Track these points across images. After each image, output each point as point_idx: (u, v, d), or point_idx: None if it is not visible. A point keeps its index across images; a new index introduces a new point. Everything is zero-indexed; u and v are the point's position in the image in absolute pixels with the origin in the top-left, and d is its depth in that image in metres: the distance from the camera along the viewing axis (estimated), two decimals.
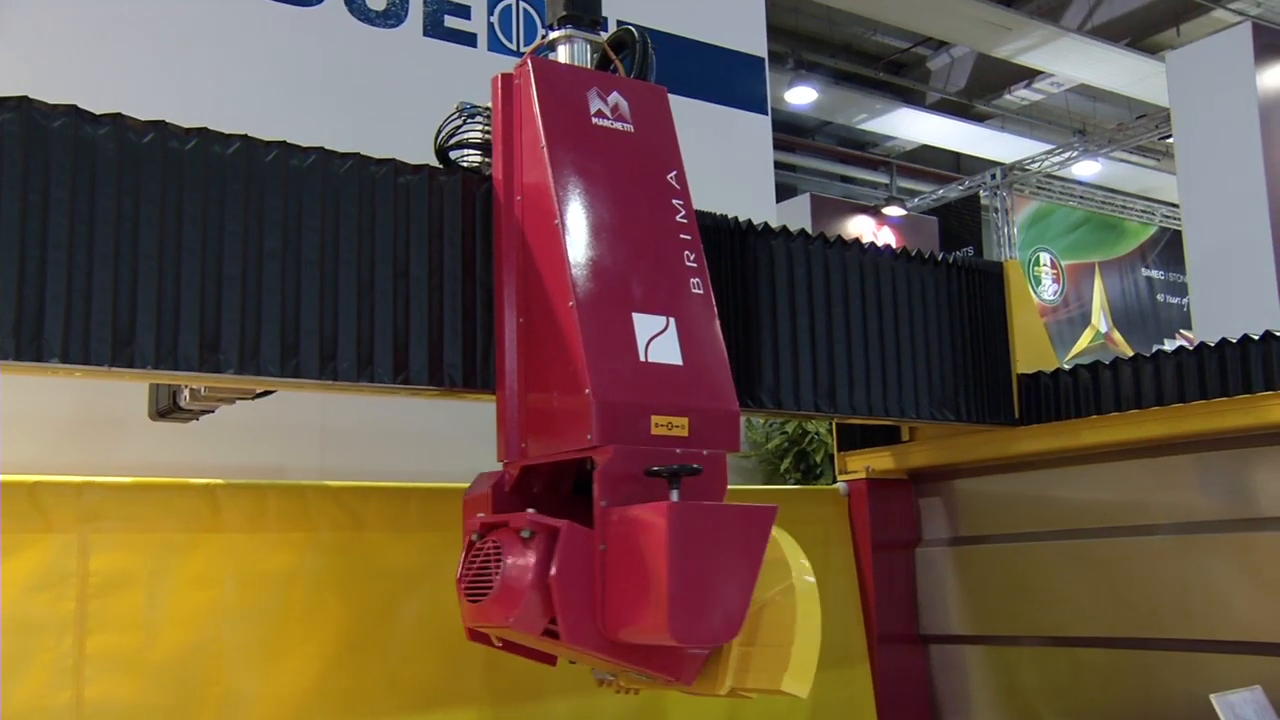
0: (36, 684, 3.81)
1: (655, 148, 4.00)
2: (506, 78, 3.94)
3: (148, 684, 3.99)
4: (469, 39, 6.61)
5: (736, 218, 4.50)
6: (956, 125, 19.08)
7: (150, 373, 3.41)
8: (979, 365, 5.03)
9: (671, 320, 3.69)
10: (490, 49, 6.69)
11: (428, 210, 3.86)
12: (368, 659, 4.41)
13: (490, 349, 3.87)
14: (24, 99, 3.30)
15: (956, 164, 21.34)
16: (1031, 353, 5.17)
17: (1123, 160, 20.35)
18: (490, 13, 6.69)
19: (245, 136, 3.62)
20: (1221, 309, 10.41)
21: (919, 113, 18.68)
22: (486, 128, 4.06)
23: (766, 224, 4.56)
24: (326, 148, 3.75)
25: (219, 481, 4.27)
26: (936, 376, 4.88)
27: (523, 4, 6.82)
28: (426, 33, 6.48)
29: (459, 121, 4.09)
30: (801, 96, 17.67)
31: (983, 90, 18.75)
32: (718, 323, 3.80)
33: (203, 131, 3.54)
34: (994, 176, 19.41)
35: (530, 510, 3.43)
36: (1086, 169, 20.37)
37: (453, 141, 4.11)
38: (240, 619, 4.20)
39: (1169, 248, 20.98)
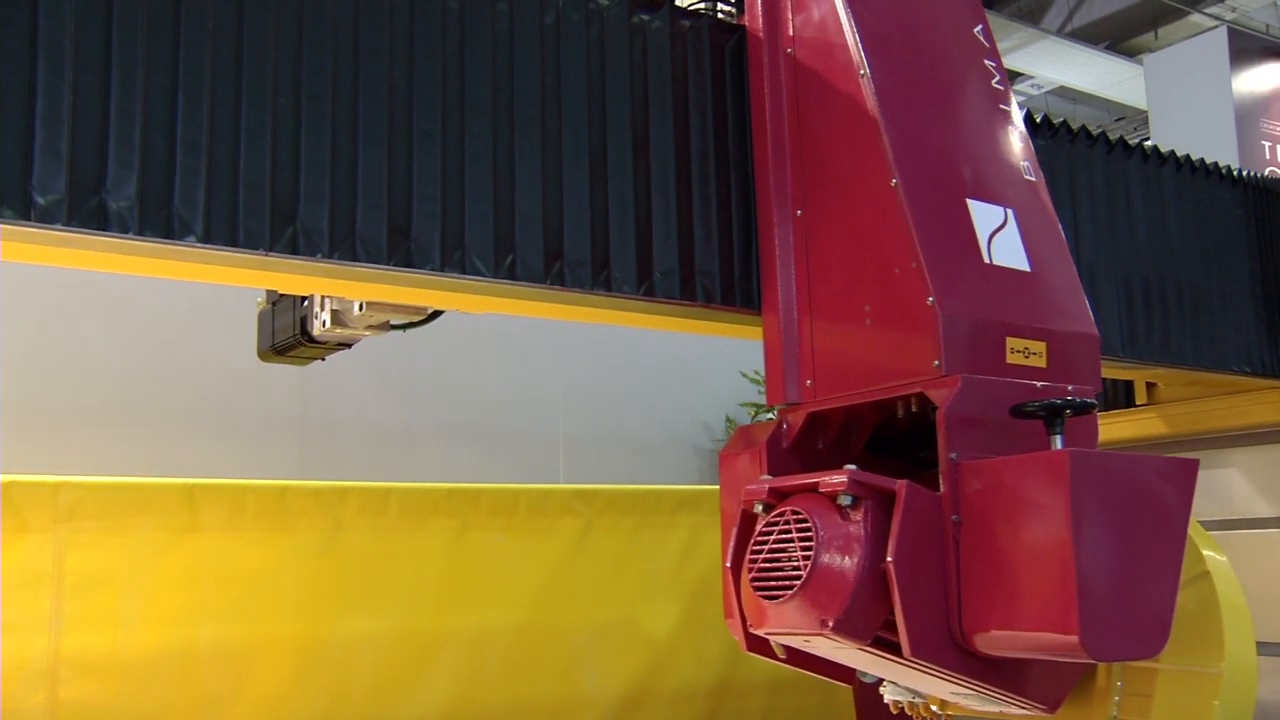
0: (10, 685, 3.72)
1: None
2: None
3: (123, 685, 3.92)
4: None
5: None
6: None
7: (320, 264, 2.37)
8: None
9: (1009, 212, 2.71)
10: None
11: (670, 63, 2.84)
12: (345, 659, 4.33)
13: (753, 254, 2.86)
14: None
15: None
16: None
17: None
18: None
19: None
20: None
21: None
22: None
23: (1046, 117, 3.58)
24: None
25: (197, 481, 4.17)
26: (1235, 319, 3.90)
27: None
28: None
29: None
30: None
31: None
32: (1057, 219, 2.83)
33: None
34: None
35: (851, 467, 2.43)
36: None
37: None
38: (218, 619, 4.12)
39: None
